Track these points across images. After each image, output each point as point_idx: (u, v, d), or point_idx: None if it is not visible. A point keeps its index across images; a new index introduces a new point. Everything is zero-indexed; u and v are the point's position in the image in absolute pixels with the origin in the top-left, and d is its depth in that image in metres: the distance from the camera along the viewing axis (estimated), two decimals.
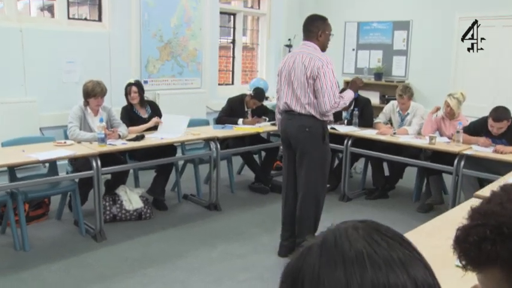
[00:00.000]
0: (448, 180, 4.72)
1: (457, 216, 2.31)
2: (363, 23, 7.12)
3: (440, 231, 2.00)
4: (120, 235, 3.87)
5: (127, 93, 4.56)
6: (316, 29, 3.34)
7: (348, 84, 3.90)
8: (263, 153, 5.65)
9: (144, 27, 5.68)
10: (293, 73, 3.32)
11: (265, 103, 5.57)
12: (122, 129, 4.20)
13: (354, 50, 7.27)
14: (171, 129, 4.46)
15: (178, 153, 4.86)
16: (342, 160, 5.09)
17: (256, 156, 5.65)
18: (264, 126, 5.06)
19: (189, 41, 6.19)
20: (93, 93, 4.04)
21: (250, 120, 5.15)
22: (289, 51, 6.48)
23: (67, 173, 4.21)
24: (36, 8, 5.50)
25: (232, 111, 5.18)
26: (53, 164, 4.07)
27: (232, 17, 7.14)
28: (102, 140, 3.80)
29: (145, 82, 5.77)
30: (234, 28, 7.15)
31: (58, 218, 4.16)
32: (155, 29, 5.80)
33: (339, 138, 4.86)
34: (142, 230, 4.01)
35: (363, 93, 5.68)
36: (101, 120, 3.88)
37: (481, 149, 4.13)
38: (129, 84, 4.56)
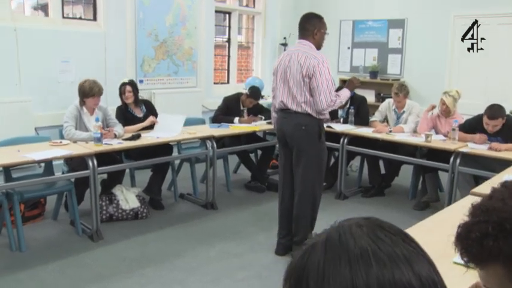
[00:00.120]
0: (443, 177, 4.75)
1: (454, 213, 2.33)
2: (358, 21, 7.13)
3: (437, 228, 2.01)
4: (117, 235, 3.86)
5: (121, 93, 4.54)
6: (312, 27, 3.34)
7: (343, 83, 3.91)
8: (259, 152, 5.65)
9: (139, 26, 5.66)
10: (289, 71, 3.32)
11: (261, 102, 5.56)
12: (118, 128, 4.18)
13: (349, 48, 7.28)
14: (167, 128, 4.45)
15: (175, 153, 4.85)
16: (338, 158, 5.10)
17: (252, 155, 5.65)
18: (260, 125, 5.06)
19: (184, 40, 6.18)
20: (91, 93, 4.03)
21: (246, 119, 5.14)
22: (285, 50, 6.48)
23: (63, 172, 4.19)
24: (30, 7, 5.47)
25: (228, 110, 5.17)
26: (48, 164, 4.05)
27: (227, 15, 7.13)
28: (98, 140, 3.79)
29: (141, 81, 5.76)
30: (229, 27, 7.14)
31: (54, 218, 4.14)
32: (150, 28, 5.78)
33: (335, 136, 4.87)
34: (139, 229, 4.00)
35: (359, 92, 5.68)
36: (97, 120, 3.87)
37: (477, 146, 4.15)
38: (123, 84, 4.55)
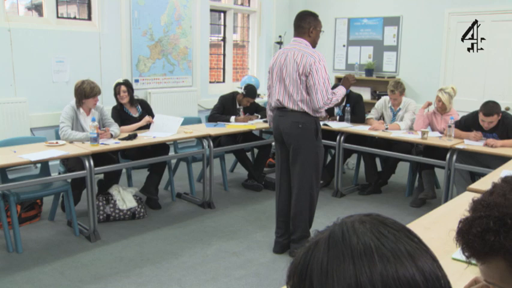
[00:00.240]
0: (440, 174, 4.77)
1: (451, 210, 2.33)
2: (353, 19, 7.14)
3: (435, 225, 2.02)
4: (114, 235, 3.85)
5: (116, 93, 4.53)
6: (307, 25, 3.34)
7: (339, 81, 3.91)
8: (256, 151, 5.65)
9: (134, 25, 5.65)
10: (285, 70, 3.32)
11: (257, 100, 5.57)
12: (114, 128, 4.17)
13: (344, 46, 7.29)
14: (163, 128, 4.45)
15: (171, 152, 4.85)
16: (334, 156, 5.11)
17: (249, 154, 5.65)
18: (256, 124, 5.06)
19: (179, 39, 6.17)
20: (92, 93, 4.03)
21: (243, 117, 5.14)
22: (280, 48, 6.48)
23: (59, 173, 4.18)
24: (23, 8, 5.44)
25: (225, 109, 5.17)
26: (44, 165, 4.04)
27: (222, 14, 7.12)
28: (95, 140, 3.78)
29: (136, 81, 5.75)
30: (225, 26, 7.14)
31: (51, 219, 4.13)
32: (145, 27, 5.76)
33: (332, 134, 4.88)
34: (137, 229, 4.00)
35: (354, 89, 5.70)
36: (93, 120, 3.86)
37: (473, 143, 4.17)
38: (118, 84, 4.54)
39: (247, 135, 5.24)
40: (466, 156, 4.17)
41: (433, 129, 4.70)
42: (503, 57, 5.82)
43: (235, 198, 4.91)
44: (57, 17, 5.15)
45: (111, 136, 4.07)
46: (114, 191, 4.19)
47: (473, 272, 1.11)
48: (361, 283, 0.53)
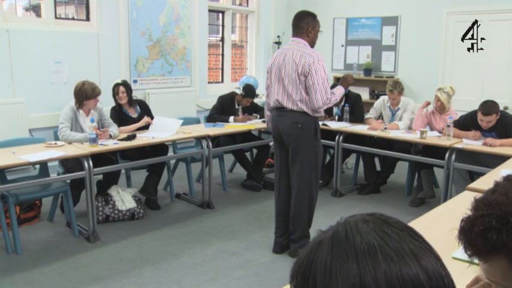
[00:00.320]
0: (439, 174, 4.77)
1: (450, 209, 2.33)
2: (351, 19, 7.14)
3: (434, 224, 2.02)
4: (113, 235, 3.85)
5: (115, 93, 4.53)
6: (306, 25, 3.34)
7: (337, 81, 3.91)
8: (255, 151, 5.65)
9: (132, 26, 5.64)
10: (283, 70, 3.32)
11: (255, 100, 5.56)
12: (113, 129, 4.17)
13: (343, 46, 7.30)
14: (162, 129, 4.44)
15: (170, 153, 4.84)
16: (333, 156, 5.11)
17: (248, 154, 5.65)
18: (255, 124, 5.06)
19: (178, 40, 6.17)
20: (93, 94, 4.03)
21: (241, 117, 5.14)
22: (278, 48, 6.48)
23: (58, 174, 4.17)
24: (21, 8, 5.43)
25: (223, 109, 5.17)
26: (43, 166, 4.03)
27: (220, 14, 7.12)
28: (94, 141, 3.77)
29: (135, 81, 5.75)
30: (223, 26, 7.13)
31: (50, 220, 4.12)
32: (144, 27, 5.76)
33: (330, 134, 4.88)
34: (136, 230, 3.99)
35: (353, 89, 5.71)
36: (92, 121, 3.85)
37: (472, 142, 4.17)
38: (117, 85, 4.53)
39: (246, 136, 5.24)
40: (465, 155, 4.17)
41: (431, 129, 4.70)
42: (501, 57, 5.83)
43: (234, 199, 4.90)
44: (55, 17, 5.14)
45: (110, 137, 4.06)
46: (113, 191, 4.19)
47: (474, 271, 1.11)
48: (365, 282, 0.53)
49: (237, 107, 5.28)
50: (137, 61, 5.78)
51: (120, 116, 4.51)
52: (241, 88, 5.21)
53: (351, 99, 5.18)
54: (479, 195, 0.83)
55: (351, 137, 4.88)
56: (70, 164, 3.93)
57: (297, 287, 0.60)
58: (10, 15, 4.90)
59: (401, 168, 5.28)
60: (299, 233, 3.49)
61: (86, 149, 3.72)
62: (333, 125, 4.97)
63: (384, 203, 4.77)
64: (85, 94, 4.01)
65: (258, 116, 5.24)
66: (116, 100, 4.54)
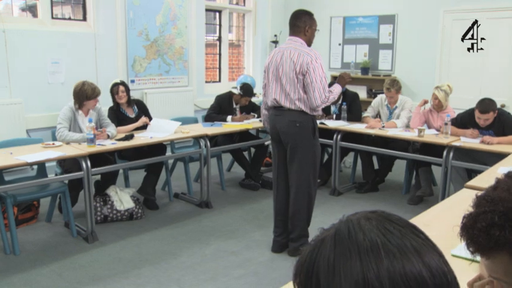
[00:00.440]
0: (437, 172, 4.78)
1: (448, 207, 2.34)
2: (348, 17, 7.15)
3: (433, 222, 2.02)
4: (112, 236, 3.84)
5: (114, 93, 4.52)
6: (303, 24, 3.34)
7: (335, 79, 3.91)
8: (252, 150, 5.65)
9: (129, 25, 5.63)
10: (281, 69, 3.32)
11: (253, 99, 5.57)
12: (111, 129, 4.16)
13: (340, 44, 7.30)
14: (160, 129, 4.44)
15: (168, 152, 4.84)
16: (331, 155, 5.11)
17: (245, 153, 5.65)
18: (252, 123, 5.06)
19: (175, 39, 6.16)
20: (94, 95, 4.03)
21: (239, 117, 5.14)
22: (276, 47, 6.49)
23: (56, 174, 4.16)
24: (18, 9, 5.41)
25: (221, 108, 5.17)
26: (41, 166, 4.02)
27: (217, 14, 7.11)
28: (92, 141, 3.77)
29: (132, 81, 5.74)
30: (220, 25, 7.13)
31: (48, 220, 4.11)
32: (141, 27, 5.75)
33: (328, 132, 4.89)
34: (134, 230, 3.99)
35: (350, 88, 5.71)
36: (90, 121, 3.84)
37: (469, 140, 4.18)
38: (116, 84, 4.52)
39: (244, 135, 5.24)
40: (463, 153, 4.18)
41: (429, 127, 4.71)
42: (498, 55, 5.84)
43: (232, 198, 4.90)
44: (52, 17, 5.12)
45: (108, 137, 4.05)
46: (111, 191, 4.18)
47: (474, 268, 1.12)
48: (368, 279, 0.53)
49: (234, 106, 5.28)
50: (134, 61, 5.77)
51: (118, 116, 4.50)
52: (238, 87, 5.21)
53: (348, 97, 5.19)
54: (480, 192, 0.84)
55: (348, 136, 4.89)
56: (68, 164, 3.92)
57: (300, 285, 0.60)
58: (6, 16, 4.88)
59: (399, 166, 5.29)
60: (298, 232, 3.49)
61: (84, 149, 3.71)
62: (331, 123, 4.98)
63: (382, 201, 4.78)
64: (85, 95, 4.00)
65: (256, 115, 5.24)
66: (114, 100, 4.53)
